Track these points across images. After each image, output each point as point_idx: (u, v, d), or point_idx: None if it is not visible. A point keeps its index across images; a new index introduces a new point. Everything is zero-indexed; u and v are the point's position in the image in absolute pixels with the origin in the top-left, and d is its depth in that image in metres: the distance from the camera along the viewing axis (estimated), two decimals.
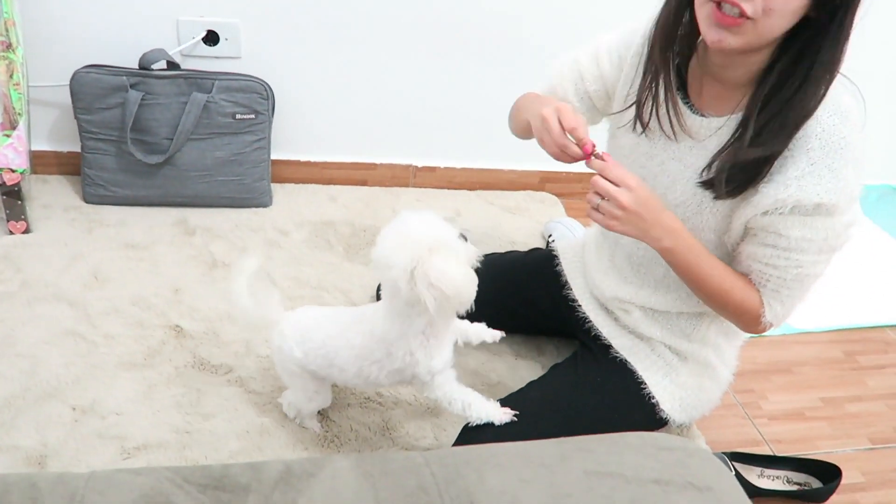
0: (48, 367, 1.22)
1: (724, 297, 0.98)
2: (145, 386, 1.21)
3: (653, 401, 1.11)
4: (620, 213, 0.91)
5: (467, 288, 0.93)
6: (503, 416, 1.04)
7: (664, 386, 1.12)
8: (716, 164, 0.93)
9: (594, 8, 1.67)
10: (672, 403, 1.12)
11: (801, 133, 0.85)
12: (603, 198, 0.92)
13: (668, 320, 1.13)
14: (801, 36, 0.83)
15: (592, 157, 0.92)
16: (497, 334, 1.13)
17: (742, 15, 0.80)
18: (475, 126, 1.85)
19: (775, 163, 0.88)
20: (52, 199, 1.63)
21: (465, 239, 0.97)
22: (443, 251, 0.90)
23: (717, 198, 0.95)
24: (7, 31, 1.37)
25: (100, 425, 1.13)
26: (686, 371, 1.14)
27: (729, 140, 0.91)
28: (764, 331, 1.00)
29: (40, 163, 1.67)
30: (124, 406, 1.17)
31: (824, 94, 0.84)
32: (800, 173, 0.86)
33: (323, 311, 1.12)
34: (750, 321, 0.99)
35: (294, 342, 1.06)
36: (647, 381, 1.11)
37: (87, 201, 1.63)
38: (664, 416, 1.12)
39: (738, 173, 0.90)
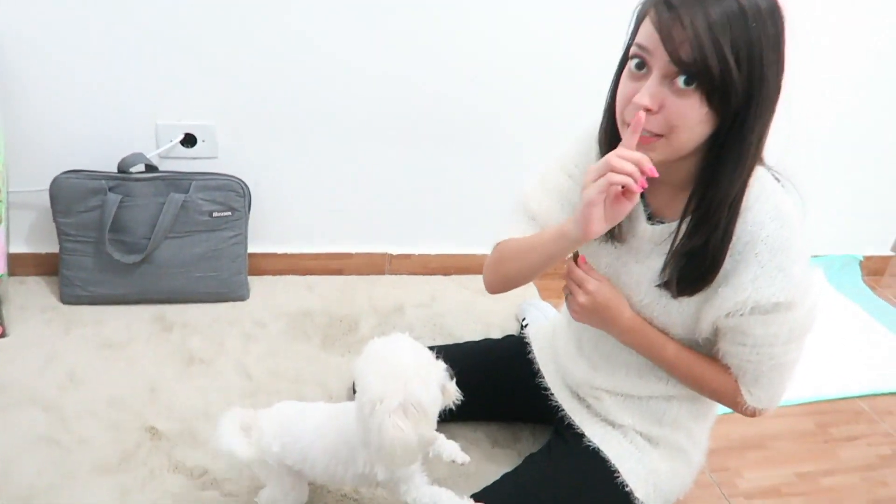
0: (21, 475, 1.20)
1: (697, 384, 1.07)
2: (119, 492, 1.20)
3: (627, 489, 1.11)
4: (579, 310, 1.06)
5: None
6: None
7: (637, 473, 1.13)
8: (668, 265, 0.98)
9: (559, 100, 1.76)
10: (646, 489, 1.13)
11: (748, 238, 0.90)
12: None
13: (639, 406, 1.16)
14: (720, 137, 0.88)
15: (569, 257, 1.04)
16: (466, 459, 1.11)
17: (653, 133, 0.86)
18: (448, 212, 1.91)
19: (728, 266, 0.92)
20: (29, 300, 1.64)
21: (452, 377, 1.00)
22: (413, 406, 0.91)
23: (673, 297, 0.99)
24: None
25: None
26: (658, 456, 1.15)
27: (673, 241, 0.96)
28: (755, 414, 1.04)
29: (18, 264, 1.69)
30: None
31: (738, 190, 0.88)
32: (753, 276, 0.91)
33: (299, 406, 1.13)
34: (732, 405, 1.05)
35: (272, 437, 1.06)
36: (620, 469, 1.12)
37: (64, 302, 1.64)
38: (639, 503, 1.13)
39: (686, 273, 0.95)
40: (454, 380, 1.01)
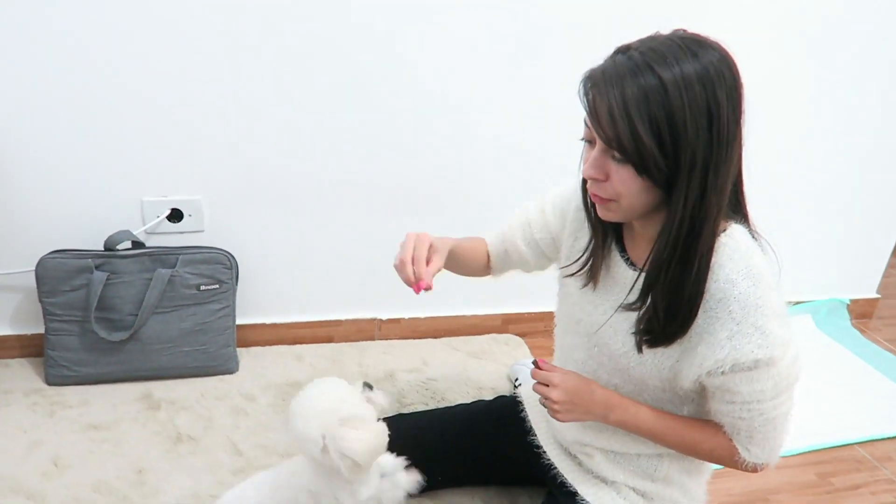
0: None
1: (692, 450, 1.06)
2: None
3: None
4: (557, 407, 1.07)
5: (377, 450, 1.05)
6: None
7: None
8: (638, 317, 0.99)
9: (546, 167, 1.80)
10: None
11: (721, 296, 0.92)
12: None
13: (630, 462, 1.14)
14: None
15: (532, 365, 1.11)
16: (414, 484, 1.18)
17: (605, 199, 0.93)
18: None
19: (702, 323, 0.93)
20: (13, 383, 1.61)
21: (371, 388, 1.11)
22: (350, 420, 1.02)
23: (639, 351, 1.00)
24: None
25: None
26: None
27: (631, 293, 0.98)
28: (757, 470, 1.04)
29: (2, 347, 1.67)
30: None
31: (696, 251, 0.90)
32: (729, 334, 0.91)
33: (252, 481, 1.17)
34: (731, 464, 1.04)
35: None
36: None
37: (49, 383, 1.62)
38: None
39: (652, 326, 0.96)
40: (374, 389, 1.12)
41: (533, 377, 1.10)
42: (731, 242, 0.93)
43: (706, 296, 0.92)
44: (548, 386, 1.07)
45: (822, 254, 2.23)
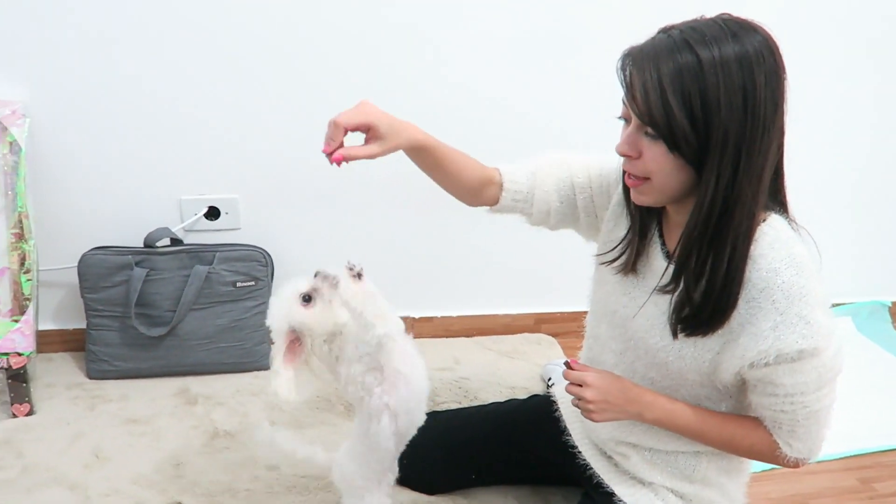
0: None
1: (731, 446, 1.05)
2: None
3: None
4: (592, 407, 1.04)
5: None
6: None
7: None
8: (673, 305, 0.98)
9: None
10: None
11: (763, 285, 0.90)
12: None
13: (667, 462, 1.13)
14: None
15: (564, 366, 1.08)
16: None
17: (637, 177, 0.93)
18: (468, 275, 1.91)
19: (744, 314, 0.92)
20: (55, 377, 1.65)
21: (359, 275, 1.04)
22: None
23: (674, 338, 0.99)
24: (21, 223, 1.46)
25: None
26: None
27: (668, 281, 0.97)
28: (798, 465, 1.02)
29: (45, 341, 1.71)
30: None
31: (731, 237, 0.89)
32: (773, 324, 0.90)
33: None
34: (772, 460, 1.03)
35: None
36: None
37: (90, 377, 1.65)
38: None
39: (687, 315, 0.95)
40: (359, 277, 1.05)
41: (565, 378, 1.08)
42: (772, 231, 0.92)
43: (748, 286, 0.91)
44: (581, 386, 1.06)
45: (863, 254, 2.17)
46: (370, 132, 1.03)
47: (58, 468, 1.38)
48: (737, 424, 1.03)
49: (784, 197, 0.97)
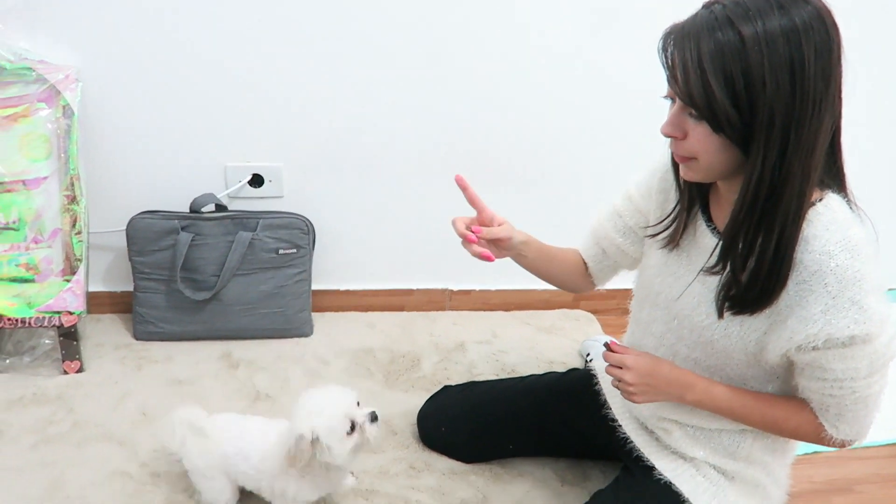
0: None
1: (775, 428, 1.04)
2: None
3: None
4: (632, 389, 1.05)
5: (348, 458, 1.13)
6: None
7: None
8: (720, 283, 0.96)
9: (620, 139, 1.76)
10: None
11: (815, 268, 0.88)
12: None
13: (710, 439, 1.11)
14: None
15: (604, 347, 1.08)
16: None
17: (683, 157, 0.91)
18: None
19: (794, 296, 0.90)
20: (104, 337, 1.70)
21: (375, 419, 1.15)
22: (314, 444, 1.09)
23: (720, 317, 0.97)
24: (72, 185, 1.50)
25: None
26: (735, 492, 1.10)
27: (716, 258, 0.95)
28: (844, 445, 1.01)
29: (95, 303, 1.76)
30: None
31: (780, 216, 0.86)
32: (824, 308, 0.88)
33: (239, 419, 1.26)
34: (816, 441, 1.01)
35: (222, 444, 1.20)
36: None
37: (137, 338, 1.70)
38: None
39: (731, 290, 0.94)
40: (376, 422, 1.14)
41: (605, 359, 1.08)
42: (828, 212, 0.89)
43: (799, 267, 0.89)
44: (621, 368, 1.05)
45: None
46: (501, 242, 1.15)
47: (107, 424, 1.43)
48: (781, 406, 1.02)
49: (842, 175, 0.93)
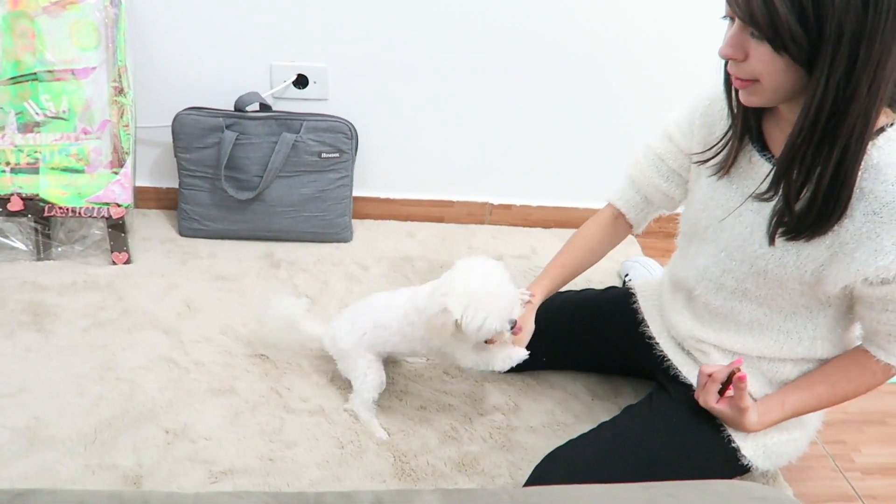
0: (144, 391, 1.29)
1: (851, 397, 1.06)
2: (232, 412, 1.26)
3: (733, 445, 1.08)
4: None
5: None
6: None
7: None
8: (773, 208, 0.93)
9: (670, 58, 1.68)
10: (755, 450, 1.09)
11: (888, 199, 0.84)
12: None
13: (749, 363, 1.10)
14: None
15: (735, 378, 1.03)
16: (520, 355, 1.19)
17: (744, 80, 0.86)
18: (550, 165, 1.87)
19: (863, 227, 0.87)
20: (150, 232, 1.74)
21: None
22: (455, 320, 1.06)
23: (772, 243, 0.95)
24: (120, 77, 1.50)
25: (190, 449, 1.18)
26: None
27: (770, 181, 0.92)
28: None
29: (142, 198, 1.79)
30: (213, 431, 1.22)
31: (842, 138, 0.82)
32: None
33: (386, 295, 1.29)
34: (883, 382, 1.03)
35: (346, 319, 1.27)
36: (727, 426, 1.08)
37: (182, 234, 1.73)
38: (746, 463, 1.09)
39: (784, 217, 0.91)
40: (513, 327, 1.10)
41: (727, 381, 1.04)
42: None
43: (869, 197, 0.85)
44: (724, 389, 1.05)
45: None
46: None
47: (154, 313, 1.48)
48: (846, 378, 1.03)
49: None
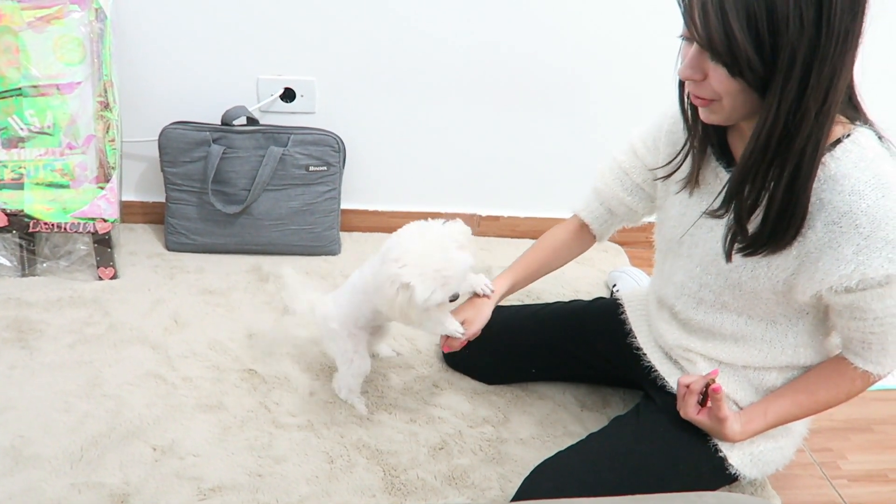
0: (131, 407, 1.28)
1: (833, 405, 1.05)
2: (220, 428, 1.25)
3: (720, 454, 1.08)
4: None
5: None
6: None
7: None
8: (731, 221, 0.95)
9: (649, 66, 1.69)
10: (742, 458, 1.09)
11: (845, 208, 0.85)
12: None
13: (735, 372, 1.11)
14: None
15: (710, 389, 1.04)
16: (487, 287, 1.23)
17: (706, 99, 0.88)
18: (537, 176, 1.88)
19: (823, 237, 0.88)
20: (137, 246, 1.73)
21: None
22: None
23: (729, 260, 0.97)
24: (105, 91, 1.49)
25: (178, 465, 1.17)
26: None
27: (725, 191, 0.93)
28: (880, 379, 1.02)
29: (128, 212, 1.78)
30: (201, 447, 1.21)
31: (776, 151, 0.84)
32: (856, 249, 0.86)
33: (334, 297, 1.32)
34: (868, 387, 1.02)
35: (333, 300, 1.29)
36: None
37: (169, 249, 1.73)
38: (734, 472, 1.09)
39: (740, 238, 0.93)
40: (453, 300, 1.11)
41: (704, 391, 1.06)
42: (857, 149, 0.86)
43: (828, 208, 0.87)
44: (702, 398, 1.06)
45: None
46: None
47: (140, 329, 1.47)
48: (826, 386, 1.03)
49: (860, 105, 0.89)
